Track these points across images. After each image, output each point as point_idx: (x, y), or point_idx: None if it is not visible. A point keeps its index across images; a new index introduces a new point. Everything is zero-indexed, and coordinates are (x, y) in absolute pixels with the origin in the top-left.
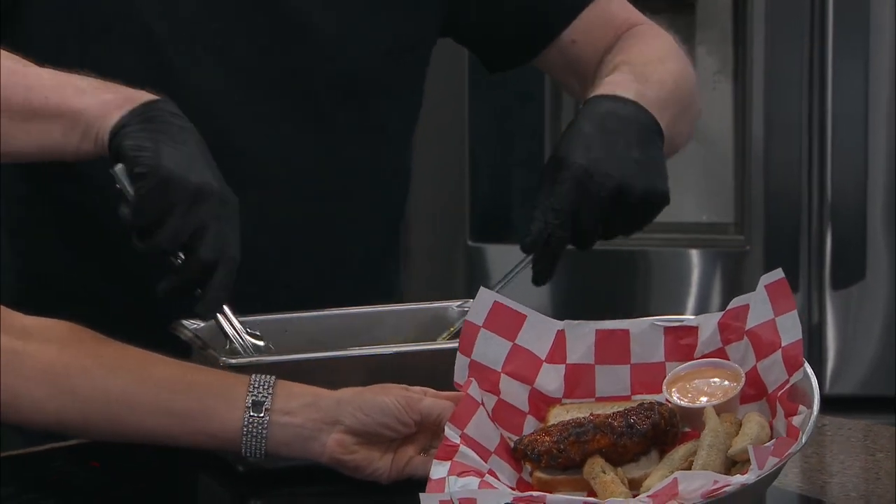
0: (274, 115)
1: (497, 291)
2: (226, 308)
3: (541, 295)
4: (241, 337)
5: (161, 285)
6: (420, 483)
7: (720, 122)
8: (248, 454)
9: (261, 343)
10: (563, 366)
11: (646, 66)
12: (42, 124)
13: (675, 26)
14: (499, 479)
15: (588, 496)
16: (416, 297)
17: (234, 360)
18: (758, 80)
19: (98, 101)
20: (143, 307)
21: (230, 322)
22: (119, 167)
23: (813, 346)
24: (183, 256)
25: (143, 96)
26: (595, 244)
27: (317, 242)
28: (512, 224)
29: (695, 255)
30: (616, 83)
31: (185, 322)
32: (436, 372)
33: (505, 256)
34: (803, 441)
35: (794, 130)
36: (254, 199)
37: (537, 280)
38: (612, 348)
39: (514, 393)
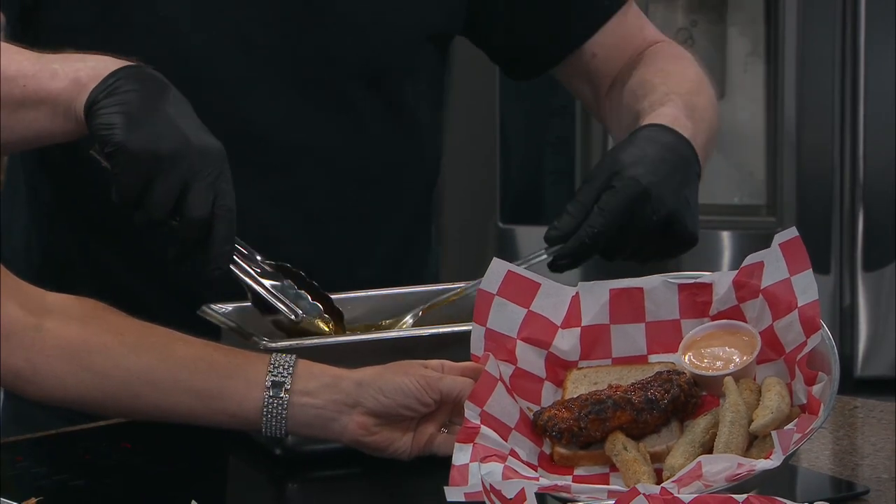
0: (299, 101)
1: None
2: (236, 258)
3: (568, 277)
4: (257, 284)
5: (169, 254)
6: (444, 461)
7: (752, 103)
8: (268, 434)
9: (279, 283)
10: (579, 329)
11: (692, 99)
12: (28, 112)
13: (706, 7)
14: (520, 460)
15: (610, 471)
16: (446, 279)
17: (273, 344)
18: (790, 61)
19: (70, 82)
20: (166, 292)
21: (244, 271)
22: (96, 147)
23: (844, 329)
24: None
25: (111, 66)
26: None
27: (343, 227)
28: (542, 205)
29: (726, 237)
30: (673, 117)
31: (213, 306)
32: (461, 354)
33: (535, 238)
34: (824, 416)
35: (826, 112)
36: (280, 186)
37: (556, 267)
38: (627, 307)
39: (531, 359)
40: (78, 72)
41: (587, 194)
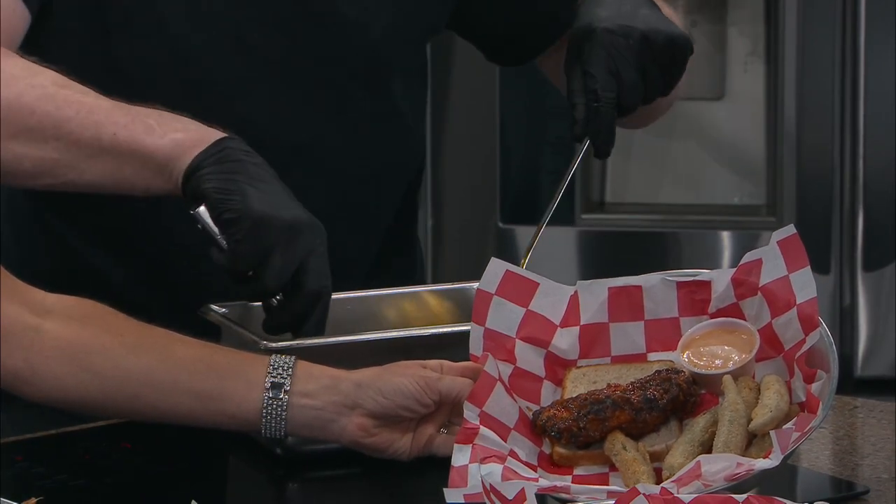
0: (298, 102)
1: (554, 204)
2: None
3: (569, 277)
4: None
5: (265, 325)
6: (444, 461)
7: (752, 103)
8: (267, 435)
9: None
10: (578, 328)
11: None
12: (112, 161)
13: (706, 7)
14: (520, 460)
15: (610, 471)
16: (446, 278)
17: (273, 345)
18: (790, 60)
19: (169, 142)
20: (165, 294)
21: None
22: (202, 209)
23: (844, 329)
24: (280, 296)
25: (214, 134)
26: (638, 108)
27: (342, 226)
28: (542, 205)
29: (726, 237)
30: None
31: (213, 306)
32: (460, 354)
33: None
34: (823, 414)
35: (826, 111)
36: None
37: (603, 152)
38: (626, 305)
39: (530, 359)
40: (177, 132)
41: (573, 81)
